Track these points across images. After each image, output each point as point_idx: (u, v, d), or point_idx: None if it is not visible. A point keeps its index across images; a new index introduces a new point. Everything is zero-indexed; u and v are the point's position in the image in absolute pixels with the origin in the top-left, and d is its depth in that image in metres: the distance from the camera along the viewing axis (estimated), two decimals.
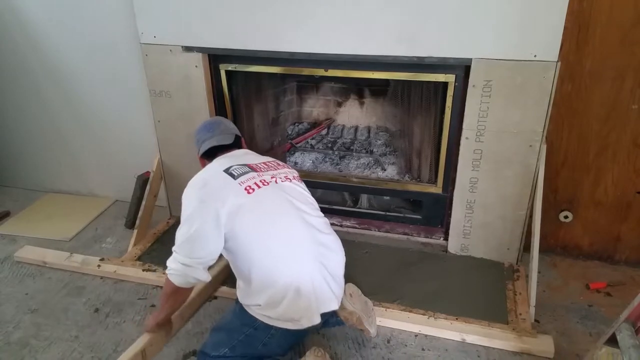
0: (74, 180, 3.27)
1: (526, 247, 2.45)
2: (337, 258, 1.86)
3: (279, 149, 2.86)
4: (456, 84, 2.26)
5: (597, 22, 2.12)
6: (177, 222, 2.82)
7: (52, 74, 2.94)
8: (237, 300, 1.90)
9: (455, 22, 2.11)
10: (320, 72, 2.40)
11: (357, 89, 2.92)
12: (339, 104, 3.01)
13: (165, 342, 1.99)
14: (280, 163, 2.01)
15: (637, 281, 2.46)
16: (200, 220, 1.70)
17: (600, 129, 2.31)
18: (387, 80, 2.46)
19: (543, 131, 2.20)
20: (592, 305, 2.32)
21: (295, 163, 2.87)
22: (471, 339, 2.09)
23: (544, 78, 2.10)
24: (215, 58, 2.51)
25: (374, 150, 2.87)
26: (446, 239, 2.64)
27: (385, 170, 2.72)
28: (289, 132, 3.05)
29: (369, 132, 3.01)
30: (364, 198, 2.74)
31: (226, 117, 2.64)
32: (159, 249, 2.66)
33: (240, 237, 1.72)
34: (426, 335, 2.14)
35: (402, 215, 2.67)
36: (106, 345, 2.11)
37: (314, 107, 3.10)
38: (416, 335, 2.14)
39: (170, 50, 2.48)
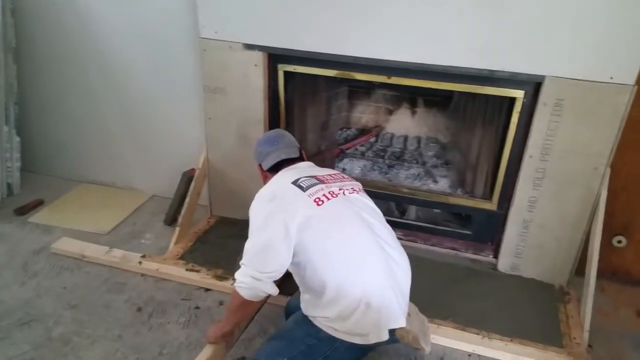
0: (110, 171, 3.19)
1: (577, 271, 2.42)
2: (404, 273, 1.81)
3: (328, 154, 2.80)
4: (524, 100, 2.22)
5: None
6: (219, 222, 2.86)
7: (99, 62, 2.87)
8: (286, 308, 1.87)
9: (531, 36, 2.06)
10: (383, 79, 2.35)
11: (410, 98, 2.87)
12: (390, 112, 2.96)
13: (226, 353, 1.93)
14: (345, 175, 1.96)
15: None
16: (270, 233, 1.66)
17: None
18: (443, 91, 2.40)
19: (610, 155, 2.16)
20: None
21: (344, 169, 2.81)
22: None
23: (617, 101, 2.06)
24: (274, 58, 2.46)
25: (426, 161, 2.82)
26: (495, 256, 2.59)
27: (436, 182, 2.67)
28: (337, 137, 3.00)
29: (418, 142, 2.96)
30: (411, 209, 2.69)
31: (279, 117, 2.60)
32: (201, 248, 2.60)
33: (310, 250, 1.68)
34: (479, 356, 2.09)
35: (451, 229, 2.62)
36: (151, 347, 2.05)
37: (364, 113, 3.04)
38: (469, 355, 2.09)
39: (230, 47, 2.43)
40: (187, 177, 2.71)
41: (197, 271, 2.42)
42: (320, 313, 1.71)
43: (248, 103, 2.54)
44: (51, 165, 3.30)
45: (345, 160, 2.84)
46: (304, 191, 1.73)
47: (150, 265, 2.44)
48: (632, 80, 2.02)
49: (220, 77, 2.52)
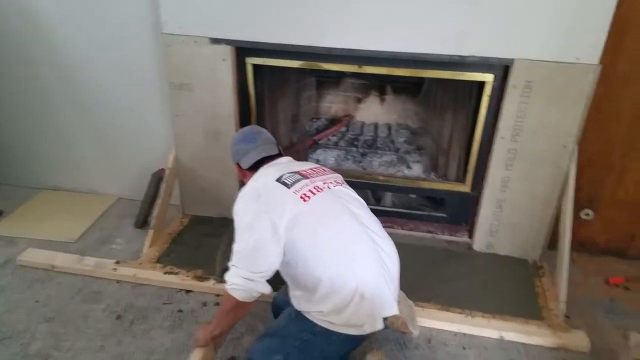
0: (72, 176, 3.06)
1: (548, 245, 2.51)
2: (393, 261, 1.82)
3: (301, 146, 2.78)
4: (494, 83, 2.26)
5: (633, 25, 2.17)
6: (192, 221, 2.80)
7: (53, 62, 2.73)
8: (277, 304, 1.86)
9: (499, 21, 2.11)
10: (354, 68, 2.34)
11: (379, 86, 2.87)
12: (359, 100, 2.95)
13: (215, 355, 1.90)
14: (326, 168, 1.94)
15: None
16: (258, 233, 1.64)
17: (628, 132, 2.38)
18: (413, 78, 2.42)
19: (577, 132, 2.24)
20: (613, 300, 2.40)
21: (317, 160, 2.79)
22: (510, 336, 2.11)
23: (583, 80, 2.14)
24: (242, 51, 2.40)
25: (398, 147, 2.84)
26: (470, 236, 2.65)
27: (410, 168, 2.69)
28: (308, 128, 2.97)
29: (389, 129, 2.97)
30: (387, 196, 2.70)
31: (249, 112, 2.55)
32: (177, 250, 2.53)
33: (300, 247, 1.66)
34: (465, 334, 2.14)
35: (426, 213, 2.66)
36: (137, 355, 1.99)
37: (333, 103, 3.02)
38: (455, 334, 2.14)
39: (196, 42, 2.35)
40: (157, 178, 2.63)
41: (176, 273, 2.36)
42: (314, 308, 1.70)
43: (217, 98, 2.48)
44: (7, 173, 3.13)
45: (319, 151, 2.83)
46: (289, 188, 1.71)
47: (126, 271, 2.36)
48: (596, 60, 2.10)
49: (186, 73, 2.45)
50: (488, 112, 2.33)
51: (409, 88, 2.85)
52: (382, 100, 2.93)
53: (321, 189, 1.75)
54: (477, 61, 2.19)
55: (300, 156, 2.60)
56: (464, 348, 2.07)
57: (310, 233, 1.67)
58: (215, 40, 2.34)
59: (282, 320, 1.83)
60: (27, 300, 2.23)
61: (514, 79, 2.18)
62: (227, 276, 1.68)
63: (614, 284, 2.48)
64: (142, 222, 2.74)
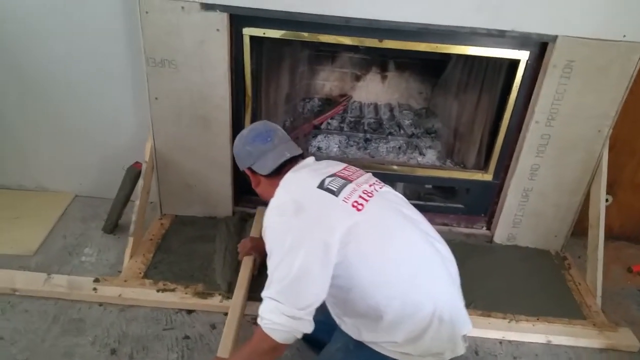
0: (15, 170, 2.51)
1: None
2: (455, 267, 1.57)
3: (300, 132, 2.41)
4: (529, 62, 2.04)
5: None
6: (174, 223, 2.38)
7: None
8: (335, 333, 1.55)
9: None
10: (374, 42, 2.02)
11: (380, 61, 2.56)
12: (357, 78, 2.62)
13: None
14: (355, 167, 1.63)
15: None
16: (303, 256, 1.31)
17: None
18: (427, 54, 2.14)
19: (615, 116, 2.08)
20: None
21: (319, 148, 2.45)
22: (557, 340, 1.97)
23: (628, 60, 1.96)
24: (238, 20, 2.00)
25: (411, 132, 2.55)
26: (489, 228, 2.46)
27: (424, 155, 2.43)
28: (302, 110, 2.61)
29: (391, 110, 2.67)
30: (398, 186, 2.43)
31: (244, 93, 2.16)
32: (166, 260, 2.12)
33: (357, 267, 1.37)
34: (510, 341, 1.96)
35: (443, 204, 2.43)
36: None
37: (327, 80, 2.67)
38: (500, 342, 1.96)
39: (183, 8, 1.92)
40: (134, 174, 2.20)
41: (172, 290, 1.97)
42: (384, 338, 1.42)
43: (207, 77, 2.06)
44: None
45: (320, 137, 2.48)
46: (337, 196, 1.40)
47: (108, 291, 1.94)
48: None
49: (168, 47, 2.00)
50: (519, 94, 2.12)
51: (414, 65, 2.56)
52: (384, 77, 2.62)
53: (371, 194, 1.46)
54: (517, 36, 1.95)
55: (300, 144, 2.25)
56: (514, 357, 1.89)
57: (371, 249, 1.38)
58: (208, 6, 1.91)
59: (336, 353, 1.52)
60: None
61: (555, 57, 1.96)
62: (264, 312, 1.35)
63: (636, 273, 2.40)
64: (113, 227, 2.30)
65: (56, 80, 2.27)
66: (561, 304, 2.11)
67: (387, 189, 1.56)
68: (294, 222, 1.36)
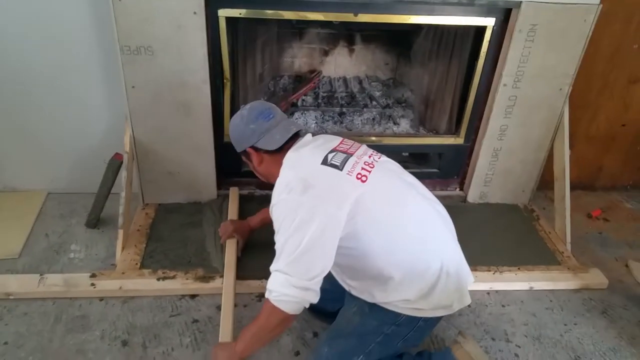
0: None
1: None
2: (453, 226, 1.68)
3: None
4: (494, 28, 2.15)
5: None
6: (159, 211, 2.38)
7: None
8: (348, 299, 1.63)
9: None
10: (349, 17, 2.06)
11: (347, 35, 2.59)
12: (326, 53, 2.65)
13: None
14: (351, 141, 1.68)
15: (618, 204, 2.76)
16: (313, 230, 1.36)
17: (604, 69, 2.44)
18: (391, 25, 2.20)
19: (574, 74, 2.24)
20: (601, 232, 2.54)
21: None
22: (538, 285, 2.13)
23: (584, 21, 2.11)
24: (212, 2, 1.97)
25: (383, 103, 2.60)
26: (462, 189, 2.60)
27: (398, 124, 2.51)
28: (273, 88, 2.61)
29: (360, 83, 2.72)
30: None
31: (222, 76, 2.15)
32: (160, 249, 2.11)
33: (368, 235, 1.44)
34: (497, 291, 2.12)
35: (418, 170, 2.53)
36: None
37: (295, 57, 2.68)
38: (488, 293, 2.11)
39: None
40: (116, 166, 2.15)
41: (172, 277, 1.97)
42: (396, 297, 1.50)
43: (186, 63, 2.03)
44: None
45: (297, 114, 2.51)
46: (341, 170, 1.45)
47: (107, 285, 1.92)
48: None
49: (144, 34, 1.95)
50: (486, 60, 2.23)
51: (380, 36, 2.62)
52: (351, 51, 2.67)
53: (372, 164, 1.53)
54: (484, 4, 2.05)
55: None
56: (503, 306, 2.04)
57: (380, 216, 1.46)
58: None
59: (353, 317, 1.60)
60: None
61: (520, 22, 2.08)
62: (273, 285, 1.40)
63: (595, 217, 2.62)
64: (96, 221, 2.26)
65: (18, 73, 2.16)
66: (537, 253, 2.28)
67: (384, 158, 1.63)
68: (303, 199, 1.39)
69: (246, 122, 1.60)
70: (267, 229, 1.92)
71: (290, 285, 1.37)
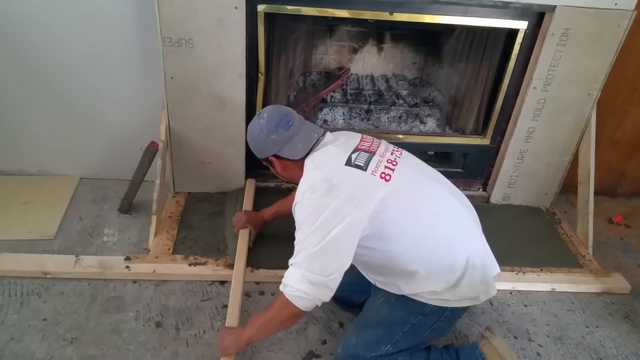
0: (14, 155, 2.45)
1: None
2: (477, 218, 1.71)
3: (307, 105, 2.47)
4: (527, 31, 2.18)
5: None
6: (190, 200, 2.45)
7: None
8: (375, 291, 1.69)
9: None
10: (384, 16, 2.10)
11: (377, 33, 2.63)
12: (355, 51, 2.69)
13: None
14: (371, 137, 1.70)
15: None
16: (336, 230, 1.39)
17: (634, 75, 2.46)
18: (425, 24, 2.24)
19: (604, 80, 2.26)
20: (623, 238, 2.56)
21: (325, 121, 2.52)
22: (560, 287, 2.16)
23: (618, 27, 2.13)
24: None
25: (410, 102, 2.64)
26: (485, 189, 2.63)
27: (425, 123, 2.55)
28: (302, 85, 2.66)
29: (387, 81, 2.76)
30: None
31: (257, 72, 2.20)
32: (190, 236, 2.18)
33: (392, 233, 1.47)
34: (519, 291, 2.15)
35: (442, 169, 2.55)
36: None
37: (325, 54, 2.72)
38: (511, 293, 2.14)
39: None
40: (152, 154, 2.21)
41: (203, 264, 2.03)
42: (423, 288, 1.54)
43: (224, 56, 2.08)
44: None
45: (325, 110, 2.56)
46: (365, 170, 1.48)
47: (141, 268, 1.98)
48: (633, 5, 2.09)
49: (185, 26, 2.00)
50: (517, 62, 2.26)
51: (409, 35, 2.66)
52: (380, 49, 2.71)
53: (395, 162, 1.55)
54: (518, 7, 2.08)
55: (308, 117, 2.32)
56: (525, 306, 2.08)
57: (404, 215, 1.49)
58: None
59: (380, 307, 1.65)
60: (29, 320, 1.78)
61: (553, 26, 2.10)
62: (289, 279, 1.43)
63: (616, 223, 2.64)
64: (129, 207, 2.32)
65: (60, 63, 2.22)
66: (559, 255, 2.31)
67: (406, 153, 1.65)
68: (327, 199, 1.41)
69: (267, 132, 1.58)
70: (280, 221, 2.02)
71: (306, 281, 1.40)
